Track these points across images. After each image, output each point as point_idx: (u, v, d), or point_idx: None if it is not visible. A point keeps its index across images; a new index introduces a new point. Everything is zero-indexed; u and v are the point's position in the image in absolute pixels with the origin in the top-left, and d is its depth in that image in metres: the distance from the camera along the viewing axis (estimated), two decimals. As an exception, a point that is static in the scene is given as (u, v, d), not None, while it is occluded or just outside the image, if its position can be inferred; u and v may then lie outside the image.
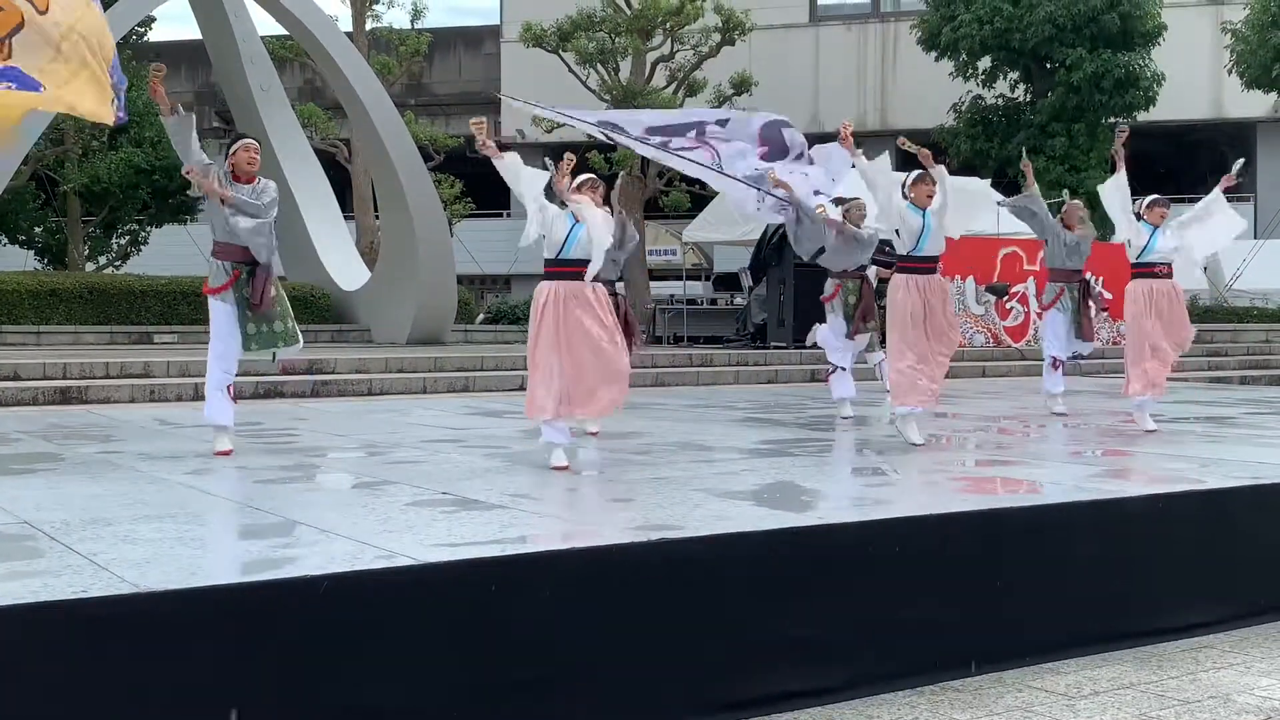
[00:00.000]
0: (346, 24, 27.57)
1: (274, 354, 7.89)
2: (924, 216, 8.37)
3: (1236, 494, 6.38)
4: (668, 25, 27.32)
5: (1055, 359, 11.18)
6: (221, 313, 7.72)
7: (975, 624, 5.17)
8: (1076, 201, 11.90)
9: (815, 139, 10.51)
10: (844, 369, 10.52)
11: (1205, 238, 9.64)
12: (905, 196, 8.45)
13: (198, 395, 12.11)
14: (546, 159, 7.17)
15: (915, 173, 8.52)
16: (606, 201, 7.62)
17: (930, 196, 8.39)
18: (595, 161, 27.47)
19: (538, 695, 4.20)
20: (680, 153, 9.52)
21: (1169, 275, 9.44)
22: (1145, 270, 9.42)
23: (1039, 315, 11.63)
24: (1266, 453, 7.97)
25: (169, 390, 12.32)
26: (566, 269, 7.06)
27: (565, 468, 6.90)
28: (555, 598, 4.31)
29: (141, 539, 4.69)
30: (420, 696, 4.01)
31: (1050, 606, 5.41)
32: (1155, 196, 9.66)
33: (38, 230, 28.82)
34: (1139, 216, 9.52)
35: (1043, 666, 5.18)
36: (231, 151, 7.78)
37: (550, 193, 7.18)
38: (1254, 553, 6.14)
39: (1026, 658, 5.21)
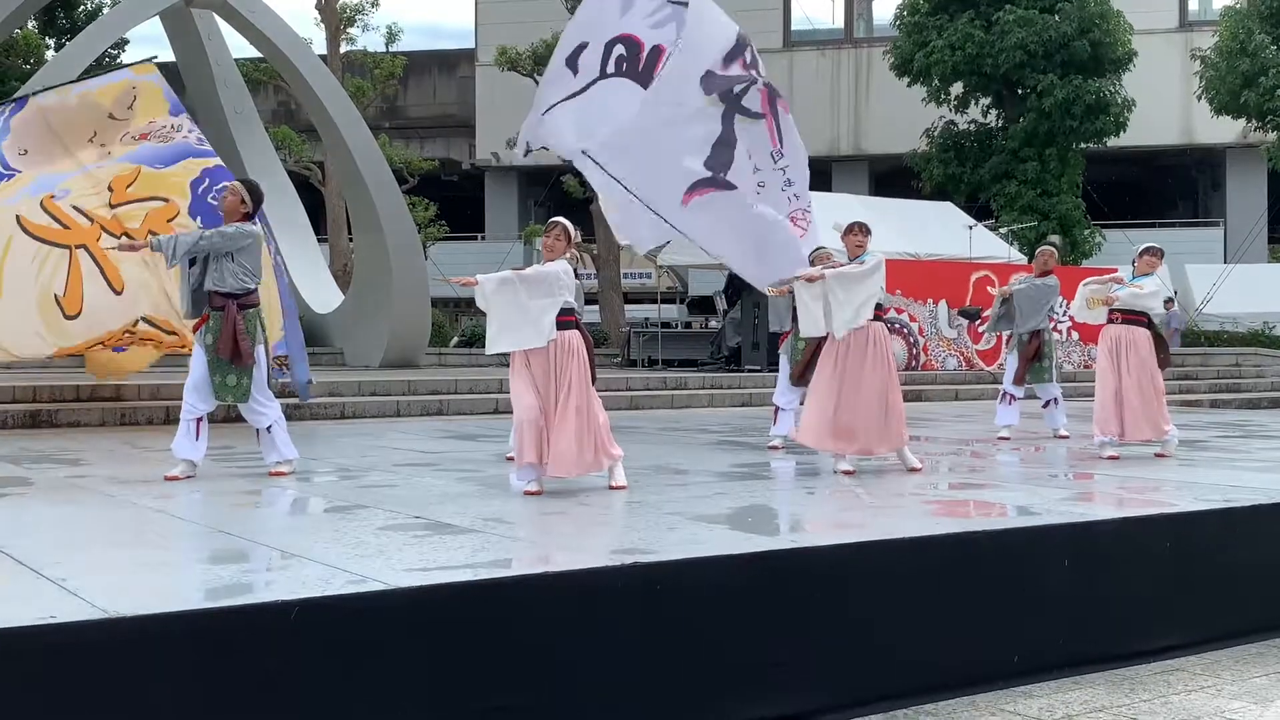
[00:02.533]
0: (321, 47, 27.61)
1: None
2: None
3: (1207, 517, 6.42)
4: (642, 50, 27.39)
5: (1005, 394, 11.55)
6: (195, 350, 7.84)
7: (948, 647, 5.17)
8: (1049, 249, 11.99)
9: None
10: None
11: None
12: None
13: (169, 419, 12.06)
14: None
15: (850, 222, 8.51)
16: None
17: (860, 247, 8.38)
18: (570, 185, 27.54)
19: (510, 720, 4.18)
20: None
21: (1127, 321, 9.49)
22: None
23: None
24: (1237, 476, 8.02)
25: (140, 414, 12.24)
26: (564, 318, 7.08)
27: (539, 492, 6.87)
28: (528, 623, 4.29)
29: (111, 564, 4.66)
30: (392, 722, 3.99)
31: (1022, 629, 5.42)
32: (1148, 245, 9.70)
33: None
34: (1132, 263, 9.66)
35: (1015, 690, 5.19)
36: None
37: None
38: (1225, 576, 6.17)
39: (999, 681, 5.22)
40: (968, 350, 20.85)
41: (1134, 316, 9.41)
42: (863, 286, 8.15)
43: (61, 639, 3.61)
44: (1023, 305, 11.44)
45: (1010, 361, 11.70)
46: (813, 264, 10.02)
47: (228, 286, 7.72)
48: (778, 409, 10.44)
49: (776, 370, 11.12)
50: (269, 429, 7.89)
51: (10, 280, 10.70)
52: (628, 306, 28.43)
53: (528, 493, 6.84)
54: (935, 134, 32.49)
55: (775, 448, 10.05)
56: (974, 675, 5.18)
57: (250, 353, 7.74)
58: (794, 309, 10.22)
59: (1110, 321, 9.45)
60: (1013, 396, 11.46)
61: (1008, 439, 11.05)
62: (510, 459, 7.80)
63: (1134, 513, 6.51)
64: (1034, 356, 11.40)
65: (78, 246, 10.92)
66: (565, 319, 7.01)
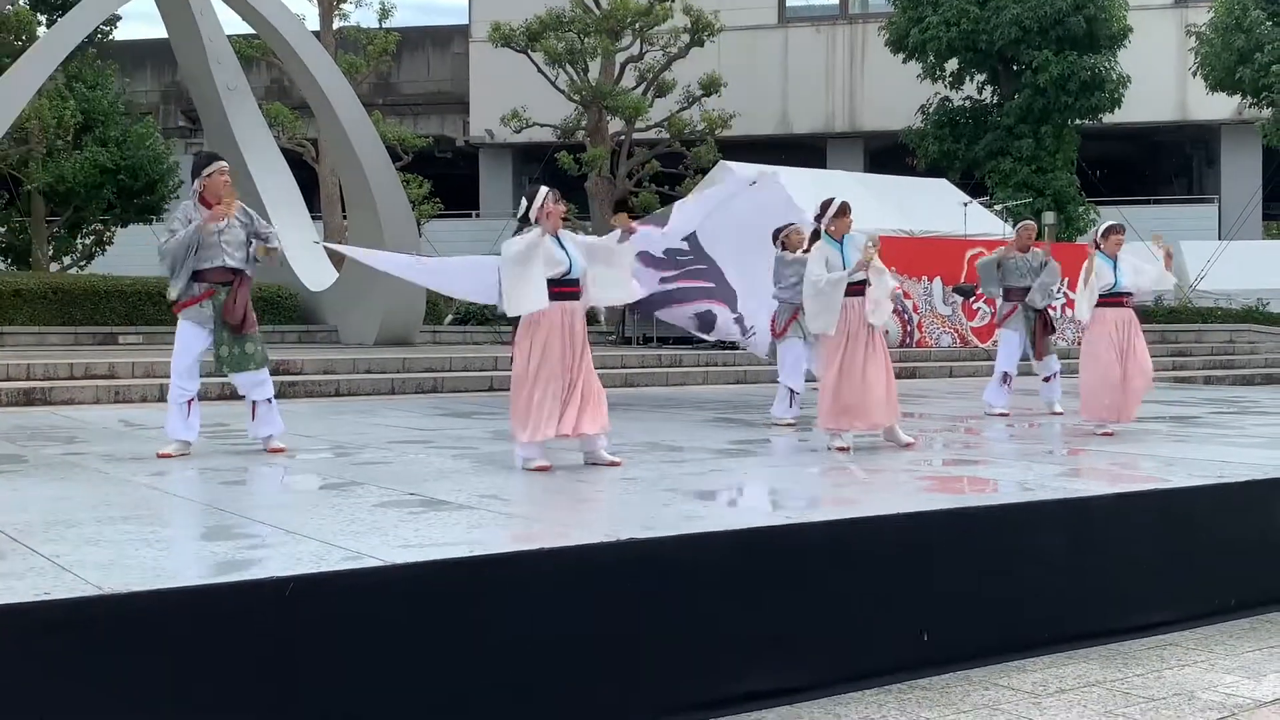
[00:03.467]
0: (314, 23, 27.46)
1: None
2: (841, 248, 8.32)
3: (1201, 493, 6.43)
4: (637, 26, 27.34)
5: (1005, 374, 11.55)
6: (188, 331, 7.71)
7: (942, 622, 5.18)
8: (1029, 223, 12.12)
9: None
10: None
11: None
12: (826, 230, 8.43)
13: (163, 396, 11.99)
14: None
15: (837, 203, 8.44)
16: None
17: (850, 227, 8.39)
18: (564, 161, 27.47)
19: (507, 697, 4.18)
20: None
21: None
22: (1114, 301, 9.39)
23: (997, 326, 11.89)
24: (1230, 452, 8.04)
25: (134, 391, 12.23)
26: (571, 289, 7.07)
27: (549, 467, 6.88)
28: (523, 599, 4.29)
29: (105, 541, 4.66)
30: (388, 699, 3.99)
31: (1016, 604, 5.43)
32: (1112, 223, 9.64)
33: (1, 230, 28.58)
34: (1096, 246, 9.54)
35: (1009, 664, 5.20)
36: (207, 174, 7.71)
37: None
38: (1218, 551, 6.18)
39: (993, 656, 5.23)
40: (962, 327, 20.85)
41: (1129, 297, 9.40)
42: (887, 283, 8.26)
43: (55, 616, 3.61)
44: (1036, 290, 11.47)
45: (1011, 340, 11.64)
46: (786, 241, 10.20)
47: (235, 261, 7.71)
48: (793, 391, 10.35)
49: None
50: (269, 400, 7.90)
51: None
52: (622, 284, 28.33)
53: (539, 468, 6.84)
54: (930, 110, 32.40)
55: (791, 424, 10.03)
56: (968, 650, 5.20)
57: (255, 320, 7.78)
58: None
59: (1113, 304, 9.35)
60: (1009, 376, 11.46)
61: (1007, 414, 11.06)
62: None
63: (1128, 488, 6.52)
64: (1045, 331, 11.49)
65: None
66: (561, 290, 7.01)
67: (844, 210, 8.39)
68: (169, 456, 7.49)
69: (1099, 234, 9.58)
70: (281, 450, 7.77)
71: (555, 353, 6.93)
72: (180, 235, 7.56)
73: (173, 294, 7.74)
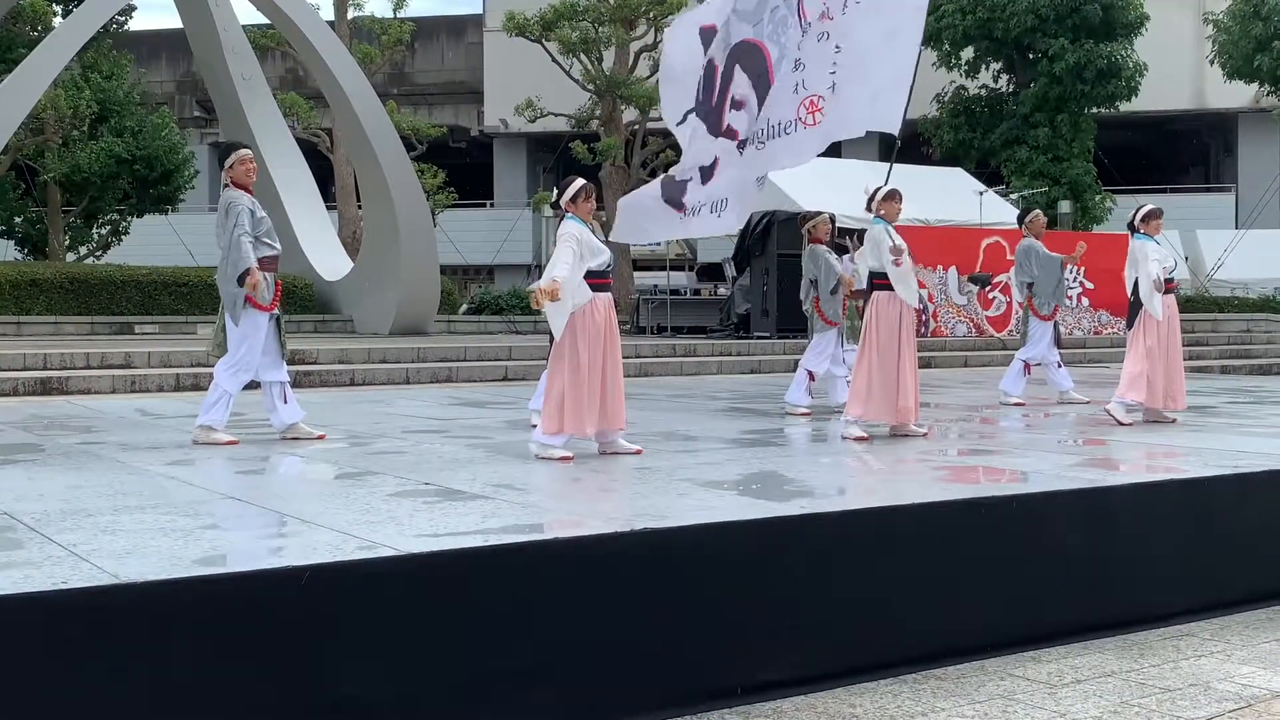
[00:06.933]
0: (328, 13, 27.46)
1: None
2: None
3: (1218, 482, 6.40)
4: (651, 15, 27.30)
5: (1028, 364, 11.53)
6: (263, 329, 7.75)
7: (958, 612, 5.17)
8: (1039, 213, 12.12)
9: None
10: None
11: None
12: (877, 214, 8.40)
13: (179, 386, 12.10)
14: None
15: (886, 188, 8.41)
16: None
17: (900, 213, 8.37)
18: (578, 151, 27.46)
19: (520, 685, 4.19)
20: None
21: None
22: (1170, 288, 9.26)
23: (1045, 319, 11.58)
24: (1247, 441, 8.01)
25: (150, 381, 12.27)
26: (607, 280, 7.04)
27: (570, 458, 6.87)
28: (538, 588, 4.30)
29: (122, 530, 4.67)
30: (403, 688, 4.00)
31: (1032, 595, 5.42)
32: (1152, 207, 9.45)
33: (18, 220, 28.69)
34: (1135, 229, 9.41)
35: (1024, 655, 5.19)
36: (229, 165, 7.78)
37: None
38: (1235, 541, 6.16)
39: (1008, 646, 5.22)
40: (977, 317, 20.80)
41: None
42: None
43: (72, 604, 3.62)
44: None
45: (1039, 331, 11.53)
46: (813, 230, 10.17)
47: (277, 248, 7.87)
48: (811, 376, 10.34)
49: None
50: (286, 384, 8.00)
51: None
52: (637, 274, 28.39)
53: (561, 458, 6.84)
54: (946, 99, 32.32)
55: (806, 413, 10.01)
56: (983, 640, 5.19)
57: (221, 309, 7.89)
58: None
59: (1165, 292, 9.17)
60: (1029, 366, 11.43)
61: (1022, 404, 11.04)
62: (534, 426, 7.68)
63: (1145, 478, 6.50)
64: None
65: None
66: (604, 282, 6.99)
67: (892, 196, 8.40)
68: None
69: (1138, 218, 9.41)
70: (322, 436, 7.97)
71: (595, 346, 6.91)
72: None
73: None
